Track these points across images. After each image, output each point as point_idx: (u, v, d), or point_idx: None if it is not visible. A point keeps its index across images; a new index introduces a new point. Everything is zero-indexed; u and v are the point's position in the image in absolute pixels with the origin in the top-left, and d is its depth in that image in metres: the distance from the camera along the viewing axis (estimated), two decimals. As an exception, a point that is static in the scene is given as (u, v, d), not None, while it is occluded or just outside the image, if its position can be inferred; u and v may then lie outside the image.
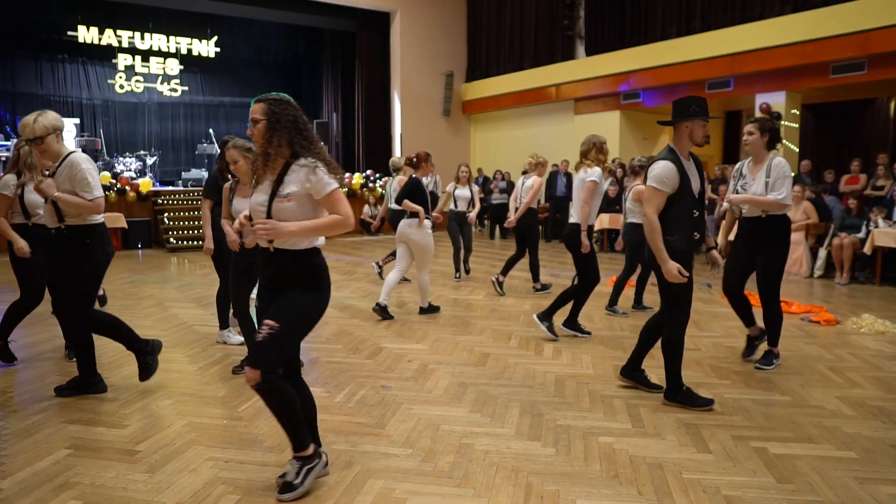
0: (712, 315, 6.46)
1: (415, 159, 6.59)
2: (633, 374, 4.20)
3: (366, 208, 15.92)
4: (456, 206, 8.77)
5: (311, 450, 2.87)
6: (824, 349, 5.14)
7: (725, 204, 5.51)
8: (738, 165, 4.81)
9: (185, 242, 12.63)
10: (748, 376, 4.44)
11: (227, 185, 4.67)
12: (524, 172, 8.09)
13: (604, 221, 11.75)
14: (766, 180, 4.43)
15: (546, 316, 5.52)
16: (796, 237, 8.72)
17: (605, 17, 14.35)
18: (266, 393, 2.74)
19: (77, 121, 17.42)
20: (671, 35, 12.87)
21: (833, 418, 3.66)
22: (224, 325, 5.44)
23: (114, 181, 13.31)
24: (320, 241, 2.93)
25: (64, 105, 18.00)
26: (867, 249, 8.07)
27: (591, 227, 5.49)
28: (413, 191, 6.31)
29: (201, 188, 14.66)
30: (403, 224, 6.34)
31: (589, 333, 5.61)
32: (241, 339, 5.21)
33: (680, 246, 3.71)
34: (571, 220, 5.50)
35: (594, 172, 5.35)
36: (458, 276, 8.86)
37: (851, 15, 9.96)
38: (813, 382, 4.30)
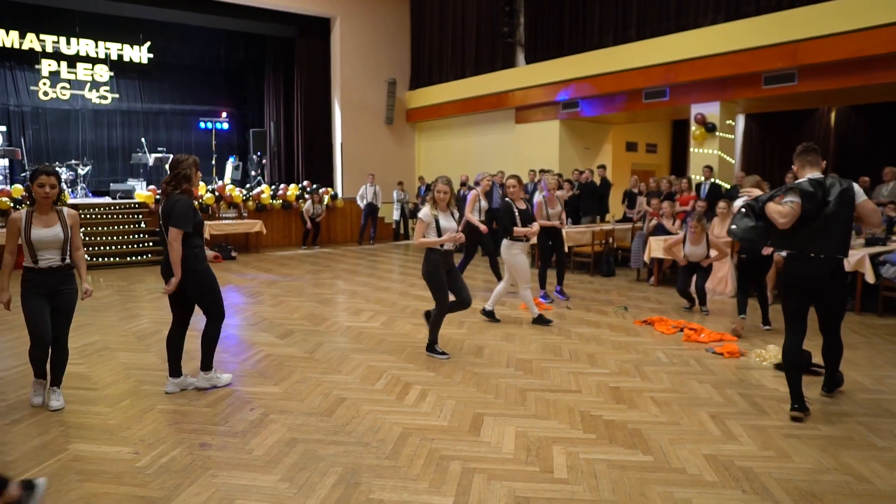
0: (614, 346, 6.00)
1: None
2: (835, 385, 4.58)
3: (307, 205, 14.70)
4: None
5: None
6: (716, 389, 4.70)
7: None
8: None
9: (99, 259, 11.86)
10: (617, 428, 3.97)
11: (16, 214, 4.24)
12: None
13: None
14: None
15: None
16: (722, 255, 8.35)
17: (544, 24, 13.97)
18: None
19: (3, 128, 16.55)
20: (608, 43, 12.53)
21: (690, 487, 3.19)
22: (176, 372, 4.72)
23: (26, 195, 12.53)
24: None
25: (-14, 113, 17.13)
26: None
27: None
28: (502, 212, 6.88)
29: (131, 200, 14.07)
30: (502, 245, 6.83)
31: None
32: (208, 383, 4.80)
33: None
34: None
35: None
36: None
37: (780, 25, 9.67)
38: (686, 436, 3.83)
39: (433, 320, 5.66)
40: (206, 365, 4.80)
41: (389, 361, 5.47)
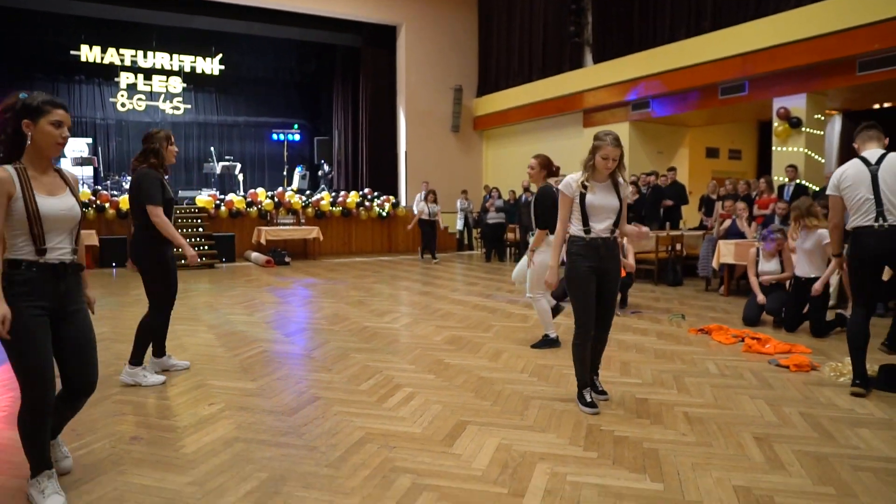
0: (656, 354, 5.11)
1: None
2: None
3: (421, 205, 13.28)
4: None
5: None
6: (771, 406, 3.76)
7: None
8: None
9: (156, 261, 11.90)
10: (628, 446, 3.15)
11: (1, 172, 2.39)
12: None
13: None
14: None
15: None
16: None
17: (613, 20, 13.12)
18: None
19: (89, 140, 17.37)
20: (680, 36, 11.53)
21: (702, 525, 2.37)
22: (139, 361, 4.30)
23: (93, 198, 12.84)
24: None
25: (77, 125, 17.97)
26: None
27: None
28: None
29: (192, 206, 14.24)
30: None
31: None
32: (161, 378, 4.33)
33: None
34: None
35: None
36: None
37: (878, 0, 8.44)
38: (716, 461, 2.96)
39: (573, 352, 3.75)
40: (136, 359, 4.27)
41: (391, 362, 4.83)
